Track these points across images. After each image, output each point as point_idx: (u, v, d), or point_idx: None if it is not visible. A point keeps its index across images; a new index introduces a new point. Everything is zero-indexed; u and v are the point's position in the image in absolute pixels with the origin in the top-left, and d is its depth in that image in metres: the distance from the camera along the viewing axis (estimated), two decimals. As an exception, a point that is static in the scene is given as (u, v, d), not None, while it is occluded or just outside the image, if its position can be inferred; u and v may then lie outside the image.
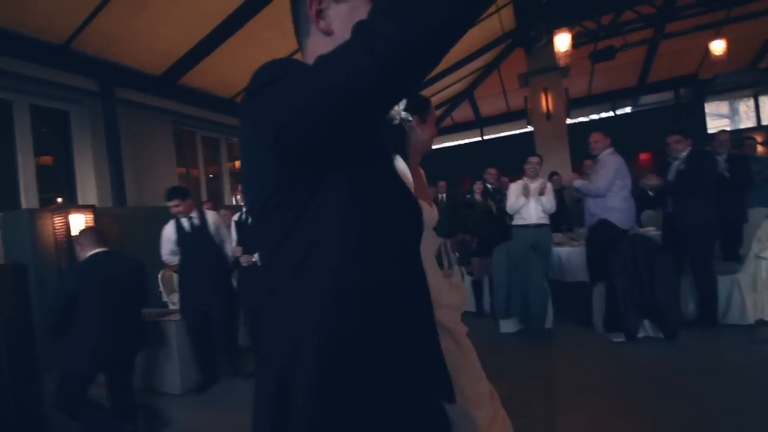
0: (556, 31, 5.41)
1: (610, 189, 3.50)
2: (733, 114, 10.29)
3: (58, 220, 3.90)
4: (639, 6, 6.20)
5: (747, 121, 9.87)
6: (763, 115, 9.45)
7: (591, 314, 3.60)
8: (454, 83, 8.91)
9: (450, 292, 1.33)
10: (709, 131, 8.89)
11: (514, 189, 4.09)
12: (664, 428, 2.12)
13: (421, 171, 1.47)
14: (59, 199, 4.94)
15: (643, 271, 3.02)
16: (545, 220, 4.01)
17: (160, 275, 4.33)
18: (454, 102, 10.50)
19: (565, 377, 2.80)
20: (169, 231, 3.15)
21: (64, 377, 2.35)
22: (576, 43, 6.53)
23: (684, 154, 3.41)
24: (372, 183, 0.72)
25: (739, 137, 4.92)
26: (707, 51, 6.38)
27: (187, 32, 4.78)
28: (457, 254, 4.59)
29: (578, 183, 3.78)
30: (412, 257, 0.78)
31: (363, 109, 0.58)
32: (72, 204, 4.49)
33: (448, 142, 12.02)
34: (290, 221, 0.67)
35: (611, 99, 10.30)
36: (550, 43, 5.87)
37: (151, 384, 3.20)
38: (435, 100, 8.84)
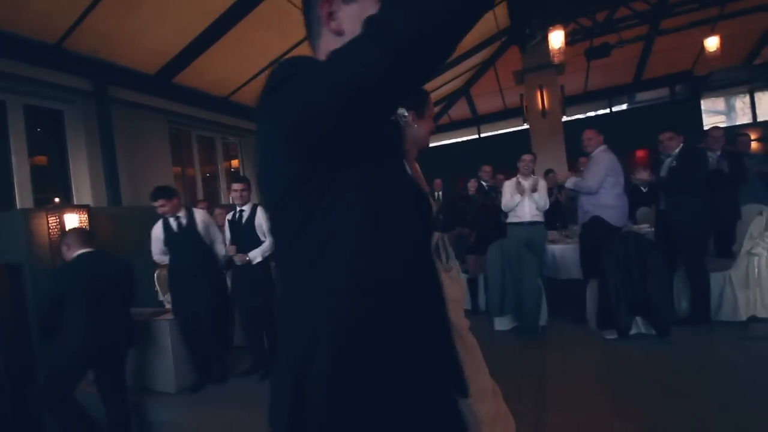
0: (550, 28, 5.40)
1: (603, 186, 3.51)
2: (729, 110, 10.30)
3: (52, 220, 3.89)
4: (633, 2, 6.20)
5: (743, 118, 9.89)
6: (758, 112, 9.47)
7: (585, 311, 3.62)
8: (450, 81, 8.90)
9: (451, 286, 1.35)
10: (705, 128, 8.91)
11: (508, 187, 4.11)
12: (655, 425, 2.14)
13: (417, 166, 1.48)
14: (56, 199, 4.93)
15: (635, 268, 3.03)
16: (539, 218, 4.02)
17: (155, 274, 4.32)
18: (450, 99, 10.49)
19: (557, 374, 2.81)
20: (157, 231, 3.14)
21: (51, 374, 2.35)
22: (571, 41, 6.54)
23: (676, 151, 3.43)
24: (385, 178, 0.74)
25: (732, 133, 4.93)
26: (702, 47, 6.39)
27: (181, 31, 4.77)
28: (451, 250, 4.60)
29: (571, 181, 3.79)
30: (425, 252, 0.80)
31: (375, 100, 0.59)
32: (66, 204, 4.48)
33: (445, 139, 12.02)
34: (305, 216, 0.69)
35: (607, 96, 10.31)
36: (545, 40, 5.87)
37: (145, 383, 3.21)
38: (431, 97, 8.81)
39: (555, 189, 5.58)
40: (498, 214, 4.39)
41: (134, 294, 2.75)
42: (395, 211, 0.74)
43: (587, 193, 3.61)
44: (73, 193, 4.94)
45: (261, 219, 3.30)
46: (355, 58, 0.56)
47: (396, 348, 0.70)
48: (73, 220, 3.98)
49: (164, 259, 3.21)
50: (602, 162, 3.58)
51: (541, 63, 6.86)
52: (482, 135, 11.61)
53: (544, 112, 7.08)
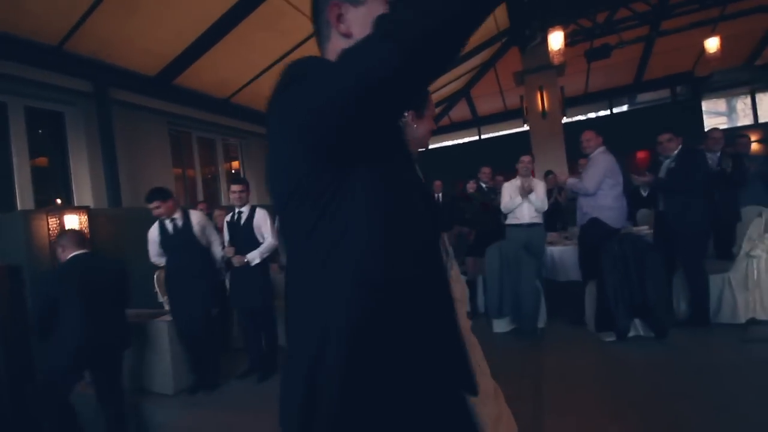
0: (549, 29, 5.40)
1: (600, 187, 3.51)
2: (731, 111, 10.28)
3: (52, 222, 3.91)
4: (634, 3, 6.20)
5: (744, 119, 9.86)
6: (760, 113, 9.44)
7: (583, 313, 3.61)
8: (450, 82, 8.90)
9: (454, 286, 1.35)
10: (707, 129, 8.87)
11: (507, 188, 4.11)
12: (652, 428, 2.13)
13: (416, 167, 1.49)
14: (58, 201, 4.95)
15: (633, 269, 3.02)
16: (538, 219, 4.02)
17: (155, 275, 4.34)
18: (451, 101, 10.50)
19: (555, 377, 2.80)
20: (153, 233, 3.14)
21: (47, 375, 2.36)
22: (571, 42, 6.54)
23: (675, 152, 3.42)
24: (396, 176, 0.75)
25: (732, 135, 4.92)
26: (703, 49, 6.38)
27: (181, 33, 4.79)
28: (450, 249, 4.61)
29: (570, 181, 3.79)
30: (434, 250, 0.81)
31: (387, 96, 0.60)
32: (66, 205, 4.50)
33: (445, 141, 12.02)
34: (317, 214, 0.69)
35: (608, 97, 10.29)
36: (545, 41, 5.87)
37: (143, 384, 3.22)
38: (431, 97, 8.81)
39: (555, 190, 5.58)
40: (497, 213, 4.39)
41: (129, 295, 2.75)
42: (406, 209, 0.75)
43: (585, 194, 3.61)
44: (74, 194, 4.97)
45: (259, 220, 3.31)
46: (367, 55, 0.58)
47: (407, 345, 0.70)
48: (73, 221, 4.00)
49: (162, 261, 3.22)
50: (601, 163, 3.58)
51: (541, 64, 6.85)
52: (483, 136, 11.61)
53: (544, 113, 7.08)
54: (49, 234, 3.92)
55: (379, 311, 0.69)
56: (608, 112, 10.58)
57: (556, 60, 5.41)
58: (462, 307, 1.34)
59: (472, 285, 4.40)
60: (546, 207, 4.08)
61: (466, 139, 11.83)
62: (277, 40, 5.40)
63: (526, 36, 6.69)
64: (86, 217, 4.12)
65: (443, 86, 8.86)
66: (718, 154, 4.06)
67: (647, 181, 3.55)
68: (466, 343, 0.85)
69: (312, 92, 0.63)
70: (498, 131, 11.41)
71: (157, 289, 4.35)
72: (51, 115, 4.87)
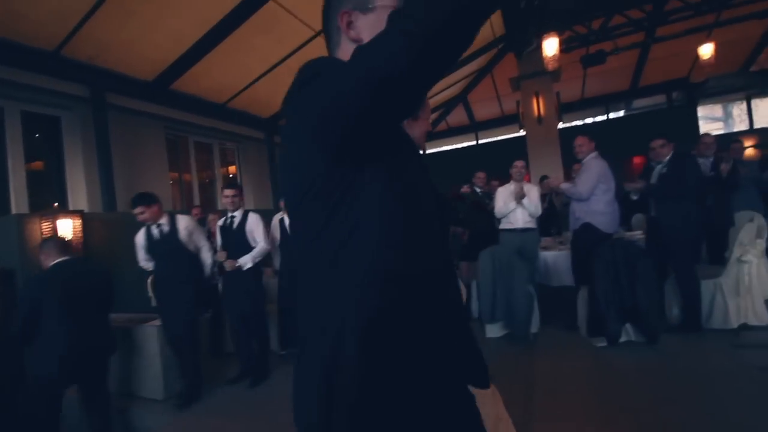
0: (544, 35, 5.44)
1: (594, 193, 3.52)
2: (727, 117, 10.33)
3: (45, 225, 3.92)
4: (629, 10, 6.25)
5: (740, 124, 9.90)
6: (755, 118, 9.48)
7: (576, 318, 3.61)
8: (448, 87, 8.94)
9: None
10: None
11: (501, 193, 4.12)
12: (641, 434, 2.13)
13: None
14: (56, 204, 4.96)
15: (624, 274, 3.03)
16: (532, 225, 4.03)
17: (149, 280, 4.34)
18: (448, 106, 10.54)
19: (546, 382, 2.80)
20: (140, 238, 3.11)
21: (32, 385, 2.33)
22: (567, 48, 6.58)
23: (667, 158, 3.44)
24: (405, 173, 0.76)
25: (725, 140, 4.94)
26: (698, 55, 6.42)
27: (178, 38, 4.82)
28: None
29: (564, 186, 3.80)
30: (443, 245, 0.82)
31: (401, 89, 0.61)
32: (60, 209, 4.51)
33: (443, 146, 12.05)
34: (329, 210, 0.71)
35: (604, 103, 10.34)
36: (540, 47, 5.91)
37: (133, 389, 3.21)
38: (429, 103, 8.84)
39: (551, 195, 5.58)
40: (491, 216, 4.40)
41: (112, 301, 2.73)
42: (416, 205, 0.77)
43: (578, 199, 3.62)
44: (69, 198, 4.98)
45: (252, 225, 3.32)
46: (382, 48, 0.59)
47: (421, 339, 0.72)
48: (66, 225, 4.01)
49: (150, 266, 3.19)
50: (593, 168, 3.59)
51: (536, 70, 6.89)
52: (480, 141, 11.64)
53: (540, 118, 7.10)
54: (42, 238, 3.93)
55: (392, 306, 0.71)
56: (605, 117, 10.62)
57: (551, 66, 5.44)
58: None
59: (465, 290, 4.39)
60: (540, 212, 4.10)
61: (464, 144, 11.87)
62: (273, 45, 5.44)
63: (521, 42, 6.73)
64: (80, 221, 4.13)
65: (440, 91, 8.90)
66: (711, 159, 4.07)
67: (639, 187, 3.57)
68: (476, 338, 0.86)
69: (326, 88, 0.65)
70: (495, 136, 11.44)
71: (150, 293, 4.35)
72: (47, 119, 4.90)
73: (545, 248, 4.35)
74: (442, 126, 11.45)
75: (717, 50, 6.16)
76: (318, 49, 5.78)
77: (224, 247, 3.32)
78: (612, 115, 10.64)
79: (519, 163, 4.09)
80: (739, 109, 9.91)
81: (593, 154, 3.69)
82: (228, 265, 3.22)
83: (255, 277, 3.34)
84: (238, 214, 3.35)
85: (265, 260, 3.82)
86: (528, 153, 7.28)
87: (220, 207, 6.93)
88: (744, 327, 3.27)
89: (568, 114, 9.73)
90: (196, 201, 6.67)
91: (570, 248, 3.88)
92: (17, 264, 3.77)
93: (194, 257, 3.18)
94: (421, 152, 1.48)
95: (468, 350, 0.81)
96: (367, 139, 0.69)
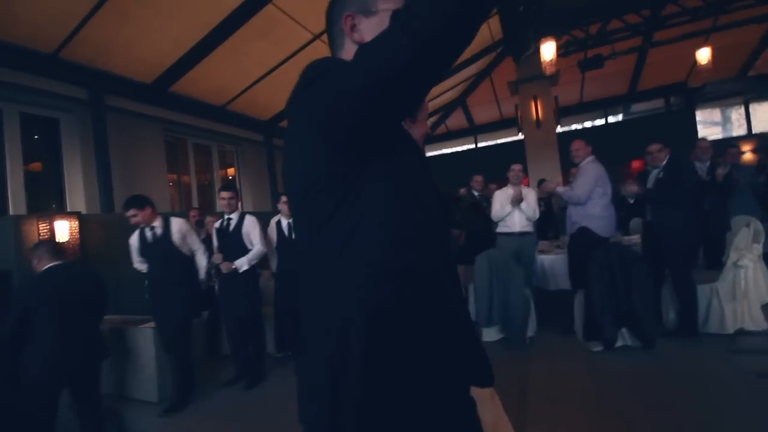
0: (542, 40, 5.46)
1: (590, 197, 3.52)
2: (725, 122, 10.35)
3: (42, 227, 3.92)
4: (626, 15, 6.28)
5: (739, 129, 9.92)
6: (754, 123, 9.50)
7: (573, 322, 3.60)
8: (447, 91, 8.97)
9: None
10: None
11: (498, 197, 4.12)
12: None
13: None
14: (53, 206, 4.96)
15: (620, 279, 3.02)
16: (529, 228, 4.03)
17: (146, 282, 4.33)
18: (447, 109, 10.57)
19: (540, 387, 2.79)
20: (134, 240, 3.10)
21: (24, 388, 2.30)
22: (565, 52, 6.61)
23: (663, 162, 3.44)
24: (408, 170, 0.77)
25: (724, 145, 4.95)
26: (695, 59, 6.45)
27: (177, 41, 4.83)
28: None
29: (561, 189, 3.81)
30: (445, 241, 0.84)
31: (405, 85, 0.62)
32: (57, 211, 4.50)
33: (442, 149, 12.07)
34: (334, 205, 0.72)
35: (603, 107, 10.37)
36: (539, 51, 5.93)
37: (127, 391, 3.20)
38: (428, 107, 8.86)
39: (549, 198, 5.59)
40: (489, 219, 4.41)
41: (105, 306, 2.71)
42: (419, 201, 0.78)
43: (576, 203, 3.62)
44: (67, 200, 4.98)
45: (248, 227, 3.32)
46: (386, 45, 0.61)
47: (428, 336, 0.72)
48: (63, 226, 4.01)
49: (144, 267, 3.18)
50: (590, 172, 3.60)
51: (534, 74, 6.91)
52: (479, 145, 11.66)
53: (538, 122, 7.12)
54: (39, 239, 3.93)
55: (396, 303, 0.71)
56: (603, 121, 10.65)
57: (548, 70, 5.46)
58: None
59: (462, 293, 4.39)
60: (537, 216, 4.10)
61: (463, 147, 11.89)
62: (272, 49, 5.46)
63: (519, 46, 6.76)
64: (77, 222, 4.13)
65: (440, 95, 8.93)
66: (708, 163, 4.08)
67: (635, 191, 3.57)
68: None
69: (331, 86, 0.66)
70: (494, 140, 11.47)
71: (148, 295, 4.34)
72: (46, 121, 4.90)
73: (542, 252, 4.35)
74: (441, 129, 11.48)
75: (714, 55, 6.19)
76: (316, 52, 5.79)
77: (220, 249, 3.32)
78: (610, 119, 10.67)
79: (516, 167, 4.10)
80: (737, 114, 9.94)
81: (590, 158, 3.69)
82: (224, 267, 3.22)
83: (251, 279, 3.33)
84: (234, 216, 3.35)
85: (263, 263, 3.82)
86: (526, 157, 7.30)
87: (218, 209, 6.94)
88: (740, 332, 3.26)
89: (567, 118, 9.77)
90: (195, 203, 6.67)
91: (567, 252, 3.88)
92: (13, 265, 3.76)
93: (188, 260, 3.16)
94: None
95: (471, 347, 0.81)
96: (371, 135, 0.70)
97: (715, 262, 3.82)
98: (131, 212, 2.94)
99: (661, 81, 9.26)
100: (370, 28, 0.79)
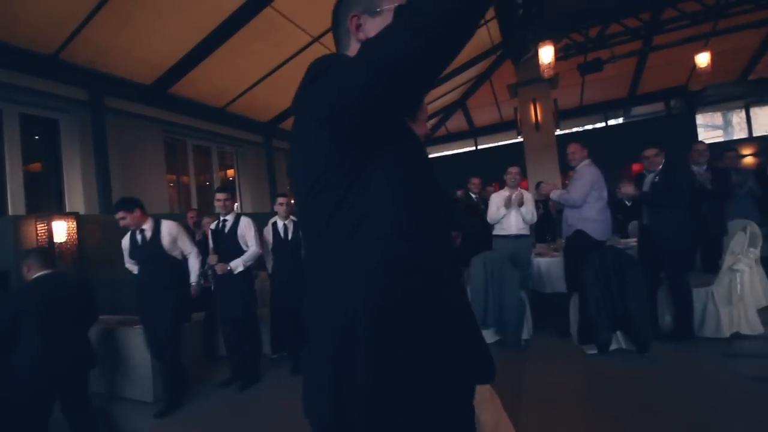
0: (540, 43, 5.47)
1: (586, 200, 3.52)
2: (726, 125, 10.33)
3: (41, 227, 3.94)
4: (625, 19, 6.28)
5: (740, 132, 9.90)
6: (754, 126, 9.49)
7: (569, 325, 3.60)
8: (447, 93, 8.98)
9: None
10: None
11: (495, 199, 4.12)
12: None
13: None
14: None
15: (615, 282, 3.02)
16: (525, 231, 4.03)
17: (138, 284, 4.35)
18: (447, 112, 10.58)
19: (534, 390, 2.78)
20: (125, 242, 3.10)
21: (15, 395, 2.29)
22: (565, 55, 6.62)
23: (660, 166, 3.44)
24: (412, 165, 0.79)
25: (725, 148, 4.95)
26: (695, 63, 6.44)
27: (176, 43, 4.86)
28: None
29: (556, 193, 3.81)
30: (448, 237, 0.85)
31: (407, 79, 0.63)
32: (55, 211, 4.52)
33: (442, 151, 12.08)
34: (338, 199, 0.73)
35: (603, 110, 10.36)
36: (537, 55, 5.94)
37: (122, 391, 3.21)
38: (428, 109, 8.87)
39: (546, 201, 5.58)
40: (484, 218, 4.41)
41: (95, 315, 2.71)
42: (423, 197, 0.79)
43: (572, 206, 3.62)
44: (66, 200, 5.00)
45: (243, 229, 3.33)
46: (388, 40, 0.62)
47: (432, 329, 0.73)
48: (61, 227, 4.03)
49: (135, 269, 3.19)
50: (587, 176, 3.60)
51: (534, 77, 6.92)
52: (479, 147, 11.67)
53: (537, 125, 7.12)
54: (37, 239, 3.95)
55: (400, 294, 0.72)
56: (603, 124, 10.64)
57: (546, 74, 5.47)
58: None
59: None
60: (535, 219, 4.10)
61: (463, 150, 11.90)
62: (271, 51, 5.49)
63: (518, 49, 6.77)
64: (75, 223, 4.15)
65: (440, 97, 8.94)
66: (704, 167, 4.07)
67: (631, 194, 3.57)
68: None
69: (334, 81, 0.68)
70: (494, 142, 11.48)
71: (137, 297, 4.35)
72: (46, 122, 4.94)
73: (539, 254, 4.35)
74: (441, 131, 11.49)
75: (715, 59, 6.18)
76: (315, 55, 5.78)
77: (216, 250, 3.33)
78: (611, 122, 10.66)
79: (513, 170, 4.10)
80: (738, 117, 9.92)
81: (586, 162, 3.70)
82: (219, 268, 3.23)
83: (246, 281, 3.34)
84: (230, 217, 3.36)
85: (261, 264, 3.83)
86: (526, 159, 7.30)
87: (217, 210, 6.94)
88: (736, 336, 3.25)
89: (567, 121, 9.76)
90: (194, 204, 6.69)
91: (563, 255, 3.87)
92: (12, 265, 3.78)
93: (178, 263, 3.12)
94: None
95: (474, 341, 0.82)
96: (374, 130, 0.71)
97: (713, 265, 3.81)
98: (120, 214, 2.92)
99: (662, 84, 9.25)
100: (375, 28, 0.80)
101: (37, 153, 4.99)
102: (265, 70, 5.88)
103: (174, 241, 3.05)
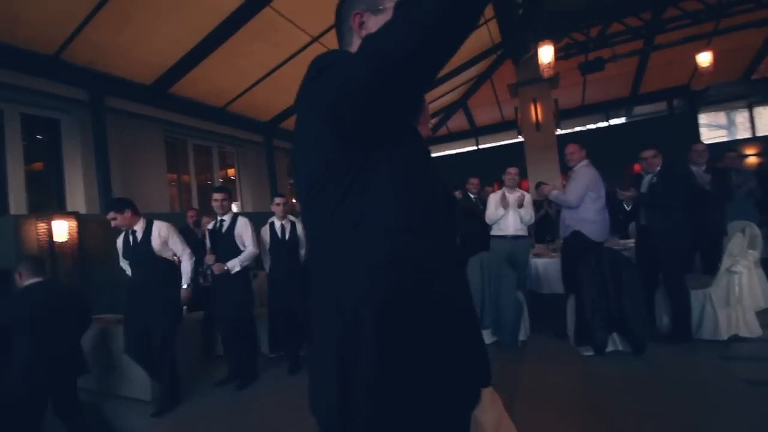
0: (540, 43, 5.46)
1: (583, 201, 3.51)
2: (730, 125, 10.26)
3: (41, 226, 3.97)
4: (626, 18, 6.25)
5: (744, 132, 9.83)
6: (758, 126, 9.42)
7: (566, 326, 3.59)
8: (448, 93, 8.97)
9: None
10: (707, 142, 8.85)
11: (493, 200, 4.12)
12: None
13: None
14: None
15: (611, 284, 3.01)
16: (523, 232, 4.02)
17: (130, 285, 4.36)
18: (448, 111, 10.56)
19: (529, 392, 2.78)
20: (119, 243, 3.11)
21: (7, 399, 2.33)
22: (566, 55, 6.59)
23: (658, 168, 3.42)
24: (414, 161, 0.79)
25: (719, 149, 4.92)
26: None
27: (176, 43, 4.88)
28: None
29: (555, 193, 3.80)
30: (451, 233, 0.85)
31: (406, 74, 0.63)
32: (56, 210, 4.56)
33: (444, 150, 12.07)
34: (341, 195, 0.73)
35: (605, 109, 10.31)
36: (538, 54, 5.92)
37: (120, 390, 3.23)
38: (429, 108, 8.84)
39: (545, 202, 5.57)
40: (482, 219, 4.41)
41: (86, 323, 2.73)
42: (426, 193, 0.79)
43: (568, 207, 3.61)
44: (67, 200, 5.03)
45: (240, 229, 3.34)
46: (389, 35, 0.62)
47: (434, 324, 0.74)
48: (62, 226, 4.06)
49: (129, 269, 3.19)
50: (583, 177, 3.58)
51: (534, 77, 6.89)
52: (480, 146, 11.65)
53: (537, 125, 7.10)
54: (38, 238, 3.99)
55: (403, 289, 0.72)
56: (605, 123, 10.59)
57: (546, 74, 5.45)
58: None
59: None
60: (533, 220, 4.09)
61: (464, 149, 11.88)
62: (271, 51, 5.50)
63: (518, 49, 6.74)
64: (75, 222, 4.18)
65: (440, 96, 8.93)
66: (704, 167, 4.05)
67: (630, 196, 3.55)
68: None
69: (336, 76, 0.68)
70: (496, 141, 11.45)
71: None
72: (47, 122, 4.97)
73: (537, 255, 4.34)
74: (442, 131, 11.48)
75: (717, 58, 6.14)
76: (315, 54, 5.78)
77: (213, 250, 3.35)
78: (613, 122, 10.61)
79: (512, 170, 4.09)
80: (742, 117, 9.85)
81: (584, 162, 3.68)
82: (216, 268, 3.25)
83: (243, 280, 3.36)
84: (227, 217, 3.38)
85: (261, 264, 3.85)
86: (526, 159, 7.28)
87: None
88: (734, 338, 3.23)
89: (569, 120, 9.72)
90: (195, 204, 6.72)
91: (560, 256, 3.87)
92: (13, 264, 3.81)
93: (169, 264, 3.10)
94: None
95: (474, 342, 0.83)
96: (375, 125, 0.71)
97: (712, 267, 3.79)
98: (111, 215, 2.91)
99: (664, 84, 9.20)
100: (377, 25, 0.80)
101: (38, 153, 5.03)
102: (264, 70, 5.89)
103: (165, 242, 3.03)
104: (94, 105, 4.97)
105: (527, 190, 4.69)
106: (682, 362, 3.00)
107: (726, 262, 3.21)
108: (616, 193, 3.92)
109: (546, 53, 5.30)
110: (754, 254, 3.51)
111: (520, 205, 3.95)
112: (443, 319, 0.75)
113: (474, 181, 4.86)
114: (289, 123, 7.61)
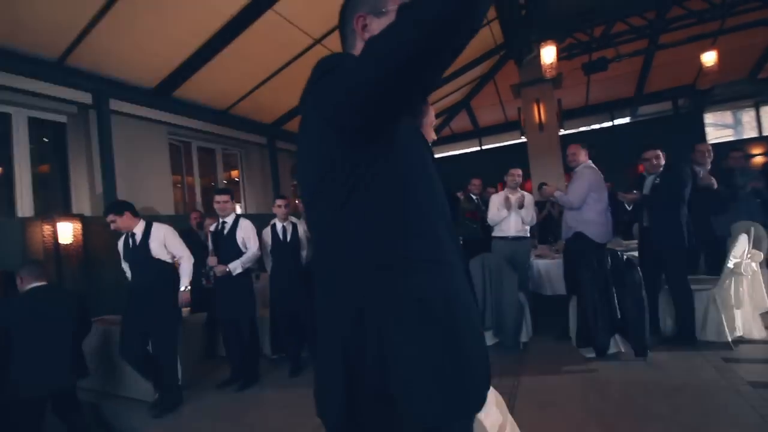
0: (542, 43, 5.43)
1: (585, 202, 3.49)
2: (736, 124, 10.15)
3: (46, 229, 4.02)
4: (630, 18, 6.21)
5: (750, 131, 9.72)
6: (765, 125, 9.31)
7: (568, 328, 3.57)
8: (451, 93, 8.96)
9: None
10: (712, 141, 8.77)
11: (495, 201, 4.11)
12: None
13: None
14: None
15: (612, 285, 2.99)
16: (524, 233, 4.01)
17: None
18: (451, 112, 10.55)
19: (528, 394, 2.77)
20: (120, 245, 3.13)
21: (5, 405, 2.33)
22: (569, 55, 6.56)
23: (661, 169, 3.40)
24: (418, 161, 0.80)
25: (726, 149, 4.86)
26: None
27: (179, 46, 4.92)
28: None
29: (557, 194, 3.79)
30: (454, 233, 0.86)
31: (409, 74, 0.64)
32: (61, 213, 4.60)
33: (447, 151, 12.05)
34: (346, 195, 0.74)
35: (609, 109, 10.24)
36: (540, 55, 5.89)
37: (122, 390, 3.26)
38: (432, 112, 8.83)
39: (548, 203, 5.55)
40: (484, 220, 4.40)
41: (86, 327, 2.75)
42: (429, 192, 0.80)
43: (570, 208, 3.60)
44: (73, 202, 5.09)
45: (242, 231, 3.36)
46: (392, 36, 0.63)
47: (439, 322, 0.74)
48: (67, 228, 4.11)
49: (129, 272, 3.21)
50: (585, 178, 3.57)
51: (537, 77, 6.85)
52: (484, 147, 11.62)
53: (540, 125, 7.07)
54: (43, 241, 4.04)
55: (407, 288, 0.73)
56: (610, 124, 10.52)
57: (548, 74, 5.43)
58: None
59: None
60: (534, 222, 4.08)
61: (468, 150, 11.85)
62: (274, 53, 5.53)
63: (521, 49, 6.72)
64: (80, 224, 4.23)
65: (444, 97, 8.92)
66: (708, 168, 4.01)
67: (633, 198, 3.53)
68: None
69: (340, 78, 0.69)
70: (499, 142, 11.41)
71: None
72: (53, 125, 5.03)
73: (540, 256, 4.32)
74: (445, 131, 11.46)
75: (723, 57, 6.08)
76: (318, 56, 5.81)
77: (215, 252, 3.37)
78: (617, 122, 10.53)
79: (515, 171, 4.08)
80: (748, 116, 9.74)
81: (586, 163, 3.67)
82: (218, 270, 3.27)
83: (245, 283, 3.38)
84: (229, 219, 3.40)
85: (263, 266, 3.86)
86: (529, 160, 7.24)
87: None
88: (738, 340, 3.20)
89: (572, 120, 9.66)
90: (199, 206, 6.76)
91: (562, 257, 3.85)
92: (19, 267, 3.86)
93: (167, 267, 3.09)
94: None
95: (474, 345, 0.83)
96: (379, 126, 0.72)
97: (717, 268, 3.75)
98: (110, 218, 2.91)
99: (669, 83, 9.11)
100: (380, 28, 0.80)
101: (44, 156, 5.09)
102: (267, 73, 5.92)
103: (162, 245, 3.03)
104: (99, 108, 5.02)
105: (530, 191, 4.67)
106: (685, 364, 2.97)
107: (730, 263, 3.18)
108: (617, 196, 3.90)
109: (549, 53, 5.29)
110: (759, 255, 3.47)
111: (521, 206, 3.94)
112: (448, 319, 0.75)
113: (476, 182, 4.86)
114: (293, 125, 7.65)
